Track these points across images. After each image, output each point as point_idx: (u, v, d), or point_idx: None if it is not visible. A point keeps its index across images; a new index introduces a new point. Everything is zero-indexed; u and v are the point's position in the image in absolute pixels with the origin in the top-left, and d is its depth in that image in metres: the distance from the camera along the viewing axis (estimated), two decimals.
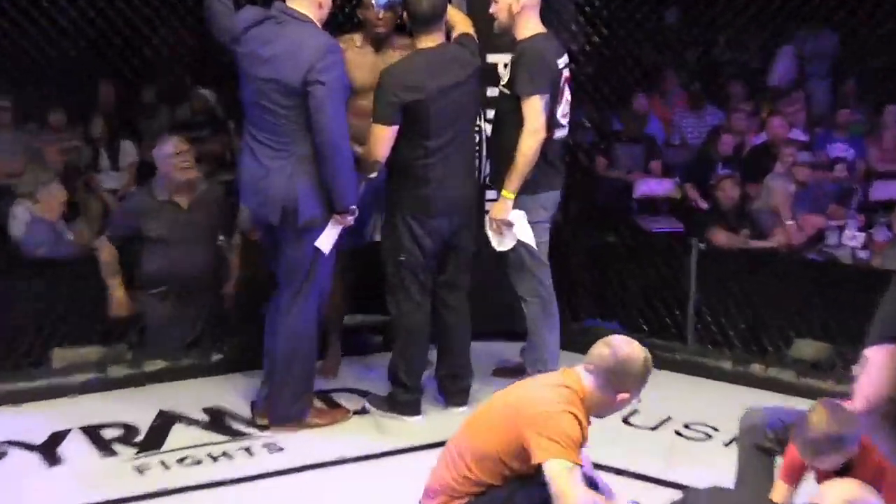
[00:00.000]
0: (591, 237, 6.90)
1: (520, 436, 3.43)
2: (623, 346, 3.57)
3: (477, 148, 5.53)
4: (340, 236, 4.84)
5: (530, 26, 4.97)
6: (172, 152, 5.71)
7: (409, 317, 5.09)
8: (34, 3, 5.34)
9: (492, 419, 3.57)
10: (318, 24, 4.75)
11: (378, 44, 5.24)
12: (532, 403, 3.48)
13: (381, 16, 5.14)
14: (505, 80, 5.00)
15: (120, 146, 8.76)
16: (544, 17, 5.11)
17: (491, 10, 5.03)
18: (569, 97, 5.10)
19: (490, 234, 5.06)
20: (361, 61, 5.13)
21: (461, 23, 5.14)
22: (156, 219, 5.73)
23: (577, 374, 3.56)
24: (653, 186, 8.53)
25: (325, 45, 4.64)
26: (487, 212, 5.35)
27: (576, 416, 3.44)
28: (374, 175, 5.06)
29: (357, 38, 5.27)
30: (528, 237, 5.02)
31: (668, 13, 10.18)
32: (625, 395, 3.55)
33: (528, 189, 4.96)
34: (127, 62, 6.00)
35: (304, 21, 4.68)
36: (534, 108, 4.86)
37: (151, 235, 5.72)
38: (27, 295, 6.23)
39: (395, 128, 4.83)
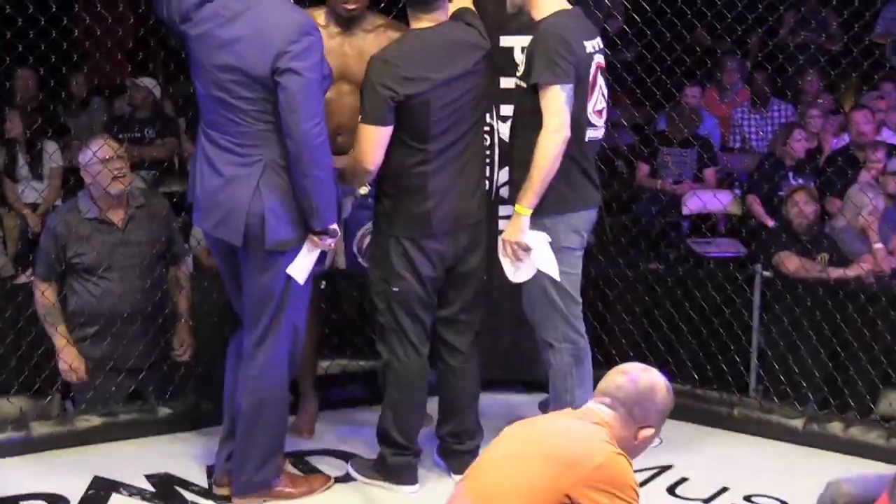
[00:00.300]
0: (630, 264, 6.96)
1: (577, 498, 3.43)
2: (641, 373, 3.66)
3: (487, 152, 5.59)
4: (318, 263, 4.85)
5: (551, 2, 4.99)
6: (102, 157, 5.69)
7: (403, 363, 5.10)
8: None
9: (519, 476, 3.52)
10: None
11: (347, 24, 5.25)
12: (577, 452, 3.47)
13: None
14: (521, 69, 5.01)
15: (42, 149, 8.82)
16: None
17: None
18: (604, 90, 5.11)
19: (504, 260, 5.07)
20: (326, 45, 4.94)
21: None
22: (83, 242, 5.73)
23: (596, 410, 3.62)
24: (707, 200, 8.61)
25: (300, 24, 4.58)
26: (501, 232, 5.42)
27: (629, 461, 3.51)
28: (364, 191, 5.12)
29: (320, 15, 5.27)
30: (550, 266, 5.00)
31: None
32: (648, 432, 3.62)
33: (557, 206, 4.93)
34: (51, 45, 6.04)
35: None
36: (554, 102, 4.82)
37: (78, 263, 5.74)
38: None
39: (390, 129, 4.83)
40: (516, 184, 4.99)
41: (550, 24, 4.91)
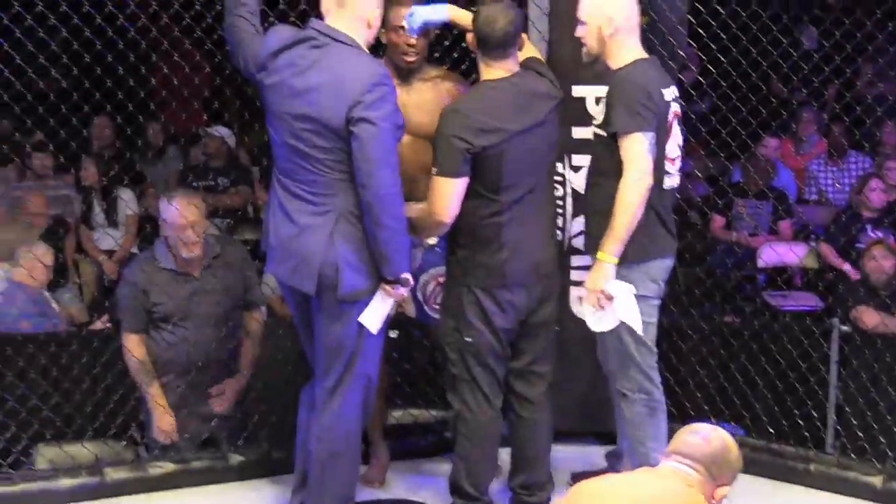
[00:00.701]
0: (704, 317, 6.92)
1: None
2: (712, 433, 3.69)
3: (559, 202, 5.59)
4: (390, 312, 4.86)
5: (628, 51, 4.98)
6: (177, 222, 5.76)
7: (475, 414, 5.08)
8: (16, 21, 5.47)
9: None
10: (365, 48, 4.74)
11: (405, 75, 5.27)
12: None
13: (411, 41, 5.20)
14: (599, 118, 5.01)
15: (118, 196, 8.93)
16: (646, 39, 5.15)
17: (577, 34, 5.05)
18: (679, 139, 5.11)
19: (586, 309, 5.04)
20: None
21: (528, 48, 5.15)
22: (159, 292, 5.80)
23: (682, 472, 3.62)
24: (783, 253, 8.55)
25: (375, 75, 4.60)
26: (575, 283, 5.42)
27: None
28: (433, 241, 5.13)
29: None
30: (633, 317, 4.97)
31: (806, 35, 10.24)
32: (725, 490, 3.65)
33: (636, 255, 4.91)
34: (128, 94, 6.13)
35: (347, 44, 4.66)
36: (637, 149, 4.82)
37: (155, 312, 5.80)
38: (4, 378, 6.38)
39: (465, 180, 4.82)
40: (593, 232, 5.00)
41: (630, 72, 4.91)
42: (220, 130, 9.61)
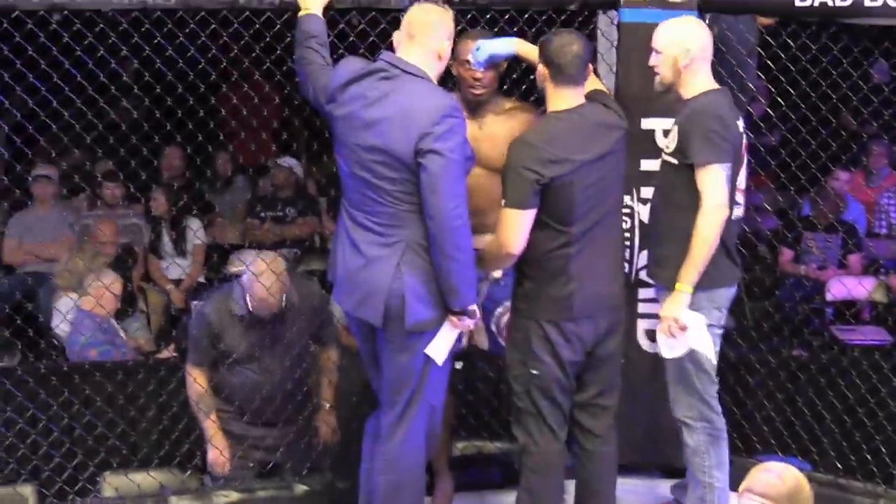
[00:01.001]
0: (773, 349, 6.88)
1: None
2: (785, 471, 3.71)
3: (627, 234, 5.58)
4: (456, 342, 4.85)
5: (701, 82, 5.02)
6: (257, 295, 5.77)
7: (541, 447, 5.05)
8: (89, 51, 5.55)
9: None
10: (435, 80, 4.76)
11: (475, 108, 5.28)
12: None
13: (478, 75, 5.21)
14: (671, 146, 5.02)
15: (186, 226, 9.00)
16: (715, 72, 5.17)
17: (651, 63, 5.08)
18: (746, 169, 5.13)
19: (660, 336, 5.05)
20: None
21: (593, 81, 5.15)
22: (232, 335, 5.85)
23: None
24: (852, 287, 8.48)
25: (444, 107, 4.61)
26: (642, 315, 5.41)
27: None
28: (499, 274, 5.12)
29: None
30: (705, 345, 5.00)
31: (877, 69, 10.18)
32: None
33: (702, 282, 4.92)
34: (198, 124, 6.19)
35: (418, 76, 4.68)
36: (714, 180, 4.85)
37: (226, 354, 5.85)
38: (72, 406, 6.44)
39: (534, 212, 4.80)
40: (661, 260, 5.04)
41: (706, 103, 4.95)
42: (288, 161, 9.67)
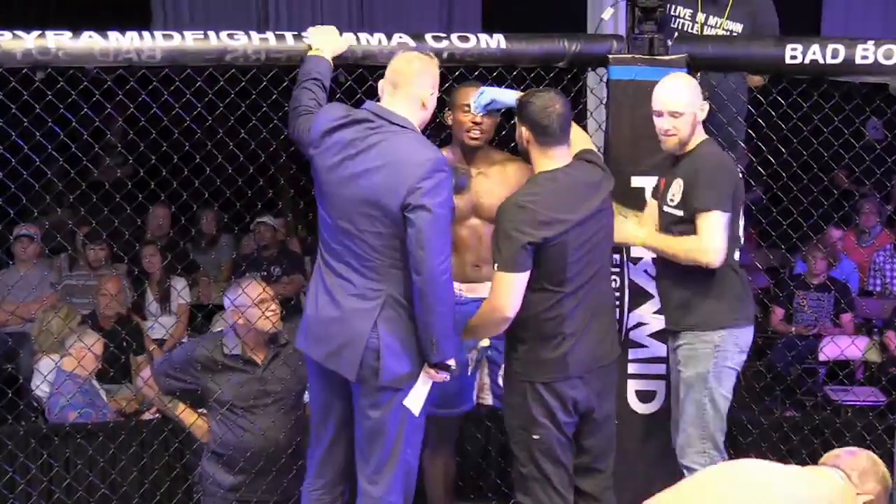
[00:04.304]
0: (765, 410, 6.87)
1: None
2: (859, 450, 4.17)
3: (617, 294, 5.58)
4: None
5: (699, 132, 5.18)
6: (255, 299, 5.80)
7: None
8: (73, 109, 5.56)
9: None
10: (419, 130, 4.80)
11: (470, 156, 5.35)
12: None
13: (477, 119, 5.27)
14: (676, 198, 5.11)
15: (171, 285, 8.99)
16: (705, 128, 5.27)
17: (666, 127, 5.11)
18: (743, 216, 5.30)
19: None
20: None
21: (579, 136, 5.19)
22: (223, 379, 5.84)
23: (827, 472, 4.03)
24: (845, 346, 8.48)
25: (433, 161, 4.64)
26: (633, 376, 5.42)
27: None
28: (487, 342, 5.12)
29: (449, 151, 5.39)
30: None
31: (870, 126, 10.24)
32: (867, 498, 4.02)
33: (727, 318, 5.07)
34: (183, 183, 6.19)
35: (403, 127, 4.71)
36: (714, 226, 5.00)
37: (216, 398, 5.84)
38: (52, 469, 6.39)
39: (527, 274, 4.82)
40: (682, 304, 5.17)
41: (712, 152, 5.15)
42: (273, 220, 9.69)
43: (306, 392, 6.04)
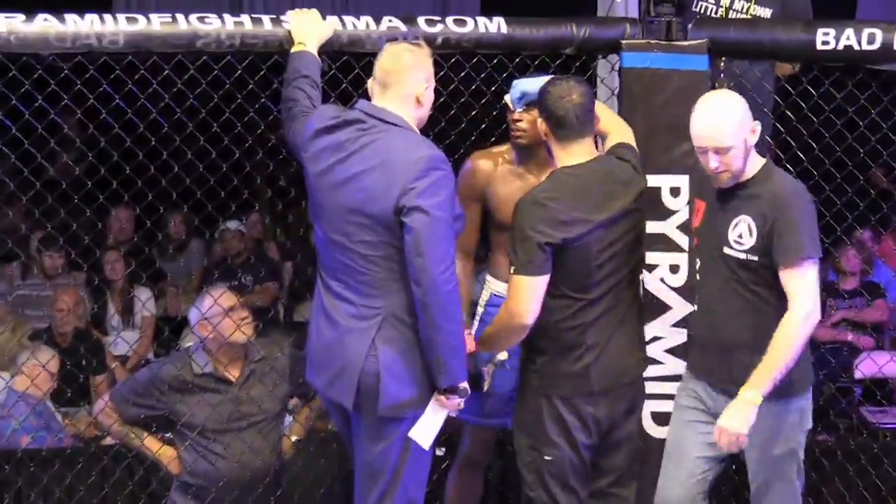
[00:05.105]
0: None
1: None
2: None
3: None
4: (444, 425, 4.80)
5: (755, 158, 4.95)
6: (226, 305, 5.81)
7: None
8: (25, 101, 5.54)
9: None
10: (416, 129, 4.77)
11: (522, 158, 5.34)
12: None
13: (516, 116, 5.25)
14: (747, 242, 4.85)
15: (134, 296, 8.96)
16: None
17: (713, 166, 4.84)
18: None
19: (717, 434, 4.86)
20: (512, 185, 5.23)
21: (613, 126, 5.19)
22: (193, 400, 5.84)
23: None
24: (883, 363, 8.47)
25: (429, 158, 4.60)
26: (650, 396, 5.40)
27: None
28: (504, 356, 5.12)
29: (506, 152, 5.40)
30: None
31: None
32: None
33: (802, 383, 4.98)
34: (149, 182, 6.17)
35: (397, 126, 4.69)
36: (808, 279, 4.75)
37: (186, 422, 5.83)
38: (2, 501, 6.38)
39: (546, 278, 4.81)
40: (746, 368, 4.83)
41: (793, 185, 4.90)
42: (238, 225, 9.68)
43: (288, 416, 6.07)
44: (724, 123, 4.80)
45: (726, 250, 4.92)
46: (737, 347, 4.94)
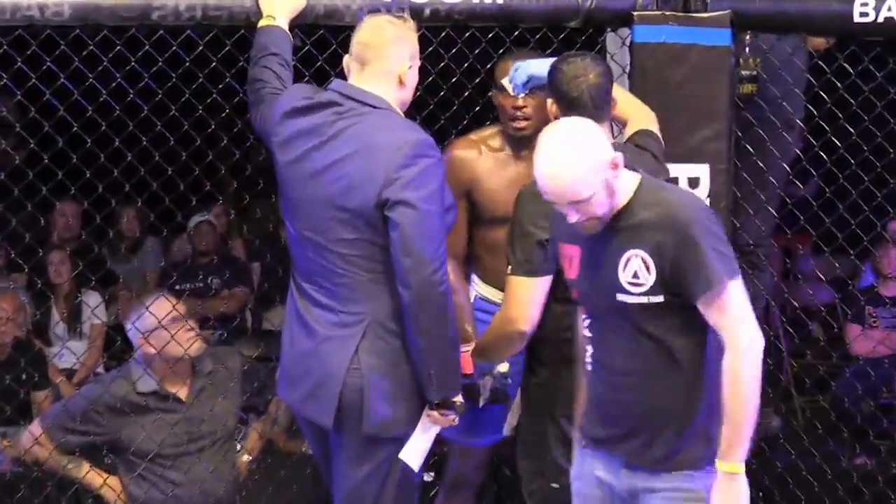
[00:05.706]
0: (829, 457, 6.87)
1: None
2: None
3: None
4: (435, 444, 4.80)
5: (626, 179, 4.58)
6: (167, 319, 5.80)
7: None
8: None
9: None
10: (400, 111, 4.74)
11: (518, 146, 5.34)
12: None
13: (519, 102, 5.26)
14: (643, 281, 4.32)
15: (82, 301, 8.95)
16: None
17: (574, 219, 4.31)
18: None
19: None
20: (501, 175, 5.23)
21: (634, 111, 5.16)
22: (140, 423, 5.82)
23: None
24: None
25: (415, 144, 4.56)
26: None
27: None
28: (505, 367, 5.11)
29: (495, 136, 5.42)
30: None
31: None
32: None
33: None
34: (98, 173, 6.16)
35: (378, 108, 4.65)
36: (736, 301, 4.25)
37: (132, 449, 5.82)
38: None
39: (547, 279, 4.77)
40: (652, 440, 4.47)
41: (673, 200, 4.42)
42: (211, 218, 9.68)
43: (242, 432, 6.08)
44: (572, 176, 4.26)
45: (620, 297, 4.41)
46: (651, 415, 4.47)
